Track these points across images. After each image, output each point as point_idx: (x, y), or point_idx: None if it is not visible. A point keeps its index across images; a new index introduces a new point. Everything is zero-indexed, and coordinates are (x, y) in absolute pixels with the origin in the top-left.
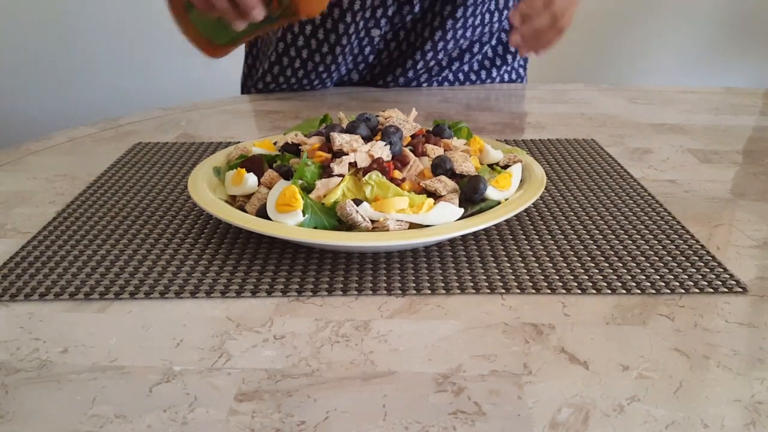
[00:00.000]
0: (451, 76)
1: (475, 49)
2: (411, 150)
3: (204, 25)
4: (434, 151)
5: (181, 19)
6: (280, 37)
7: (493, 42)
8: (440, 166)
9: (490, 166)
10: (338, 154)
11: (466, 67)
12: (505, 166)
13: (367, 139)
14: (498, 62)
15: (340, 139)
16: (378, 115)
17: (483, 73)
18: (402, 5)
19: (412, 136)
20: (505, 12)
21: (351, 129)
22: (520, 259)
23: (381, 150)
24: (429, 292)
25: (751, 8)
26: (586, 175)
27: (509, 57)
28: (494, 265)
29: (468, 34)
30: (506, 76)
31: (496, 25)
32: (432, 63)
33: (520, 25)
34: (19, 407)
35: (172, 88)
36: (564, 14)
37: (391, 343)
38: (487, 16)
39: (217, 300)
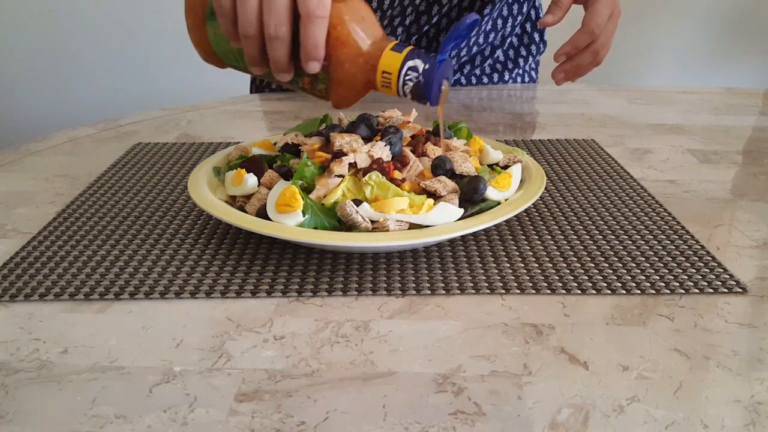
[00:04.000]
0: (463, 80)
1: (487, 53)
2: (411, 150)
3: (218, 42)
4: (434, 151)
5: (197, 26)
6: None
7: (505, 46)
8: (440, 167)
9: (490, 166)
10: (338, 154)
11: (477, 71)
12: (505, 167)
13: (367, 140)
14: (510, 65)
15: (340, 140)
16: (378, 116)
17: (495, 76)
18: (420, 15)
19: (412, 137)
20: (519, 18)
21: (351, 129)
22: (520, 259)
23: (381, 150)
24: (429, 292)
25: (751, 8)
26: (586, 175)
27: (521, 60)
28: (494, 265)
29: (480, 40)
30: (519, 79)
31: (508, 30)
32: None
33: (563, 63)
34: (19, 407)
35: (172, 88)
36: (603, 47)
37: (391, 344)
38: (500, 21)
39: (217, 300)
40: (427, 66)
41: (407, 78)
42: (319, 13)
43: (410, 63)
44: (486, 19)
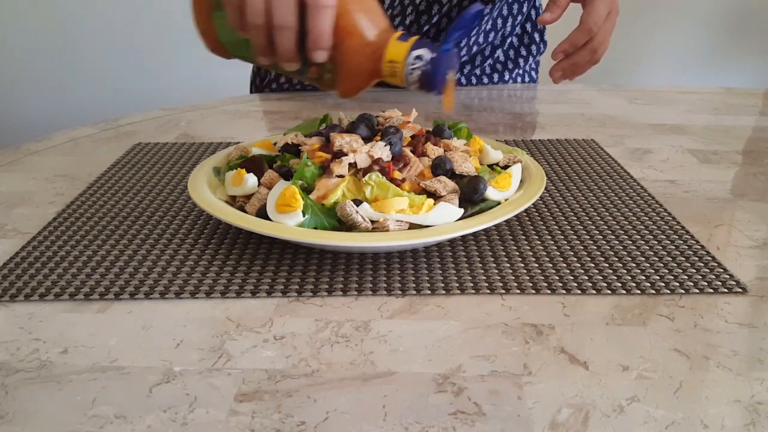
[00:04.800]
0: (463, 80)
1: (487, 53)
2: (411, 150)
3: (223, 31)
4: (434, 151)
5: (203, 17)
6: None
7: (506, 46)
8: (440, 167)
9: (490, 166)
10: (338, 154)
11: (477, 71)
12: (505, 167)
13: (367, 140)
14: (510, 66)
15: (340, 140)
16: (378, 116)
17: (495, 76)
18: (420, 15)
19: (412, 137)
20: (519, 17)
21: (351, 129)
22: (520, 259)
23: (381, 150)
24: (429, 292)
25: (751, 8)
26: (586, 175)
27: (521, 60)
28: (494, 265)
29: (480, 39)
30: (519, 79)
31: (508, 30)
32: None
33: (561, 60)
34: (19, 407)
35: (172, 88)
36: (601, 45)
37: (391, 344)
38: (499, 21)
39: (217, 300)
40: (432, 55)
41: (413, 67)
42: (325, 2)
43: (416, 52)
44: (486, 18)
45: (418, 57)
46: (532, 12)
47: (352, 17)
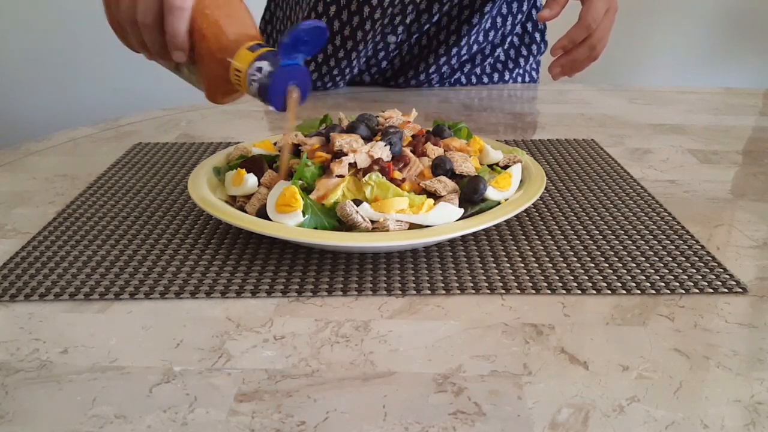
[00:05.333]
0: (463, 79)
1: (487, 52)
2: (411, 150)
3: None
4: (434, 151)
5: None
6: None
7: (506, 45)
8: (440, 167)
9: (490, 166)
10: (338, 154)
11: (478, 70)
12: (505, 167)
13: (367, 140)
14: (510, 65)
15: (340, 140)
16: (378, 116)
17: (495, 76)
18: (421, 14)
19: (412, 136)
20: (519, 16)
21: (351, 129)
22: (520, 259)
23: (381, 150)
24: (429, 292)
25: (751, 8)
26: (586, 175)
27: (521, 60)
28: (494, 265)
29: (480, 38)
30: (519, 79)
31: (508, 28)
32: (444, 67)
33: (560, 57)
34: (19, 407)
35: (172, 88)
36: (600, 42)
37: (391, 344)
38: (499, 19)
39: (217, 300)
40: (272, 69)
41: (253, 78)
42: (177, 4)
43: (258, 63)
44: (486, 17)
45: (258, 69)
46: (533, 11)
47: (207, 21)
